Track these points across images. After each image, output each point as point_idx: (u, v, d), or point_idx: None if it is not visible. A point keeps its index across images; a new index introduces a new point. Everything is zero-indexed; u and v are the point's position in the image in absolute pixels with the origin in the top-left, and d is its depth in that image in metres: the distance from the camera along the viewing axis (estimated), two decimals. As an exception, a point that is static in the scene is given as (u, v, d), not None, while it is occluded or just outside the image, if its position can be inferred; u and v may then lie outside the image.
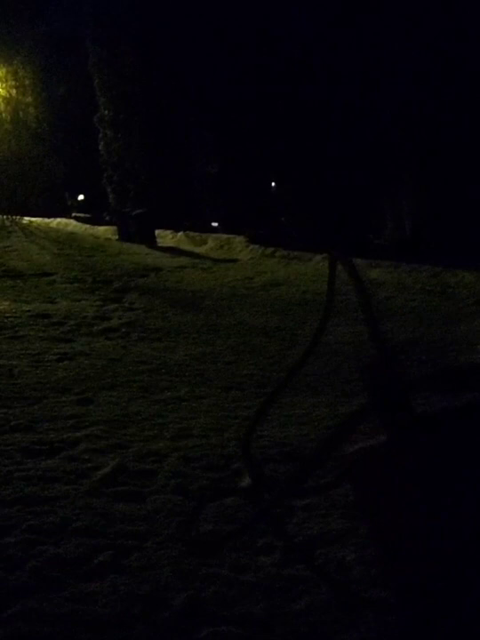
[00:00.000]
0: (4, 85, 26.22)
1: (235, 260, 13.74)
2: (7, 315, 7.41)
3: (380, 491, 2.10)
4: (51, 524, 3.18)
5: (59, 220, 21.46)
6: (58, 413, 4.66)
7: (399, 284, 10.74)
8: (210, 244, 16.93)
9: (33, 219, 18.57)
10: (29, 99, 26.54)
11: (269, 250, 14.54)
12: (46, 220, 19.81)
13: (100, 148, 22.86)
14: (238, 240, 16.77)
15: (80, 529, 3.15)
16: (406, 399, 2.14)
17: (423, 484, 2.02)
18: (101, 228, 19.88)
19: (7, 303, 8.07)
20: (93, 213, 24.23)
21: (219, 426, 4.56)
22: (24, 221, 17.25)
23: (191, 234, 18.62)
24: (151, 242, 16.29)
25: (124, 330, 7.21)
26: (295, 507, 3.39)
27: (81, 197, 27.05)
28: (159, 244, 16.20)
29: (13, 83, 26.35)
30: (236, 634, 2.45)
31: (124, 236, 17.04)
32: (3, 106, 26.38)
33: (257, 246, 15.36)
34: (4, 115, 26.38)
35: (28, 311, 7.67)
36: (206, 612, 2.58)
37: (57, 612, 2.55)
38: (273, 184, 20.10)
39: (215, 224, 20.22)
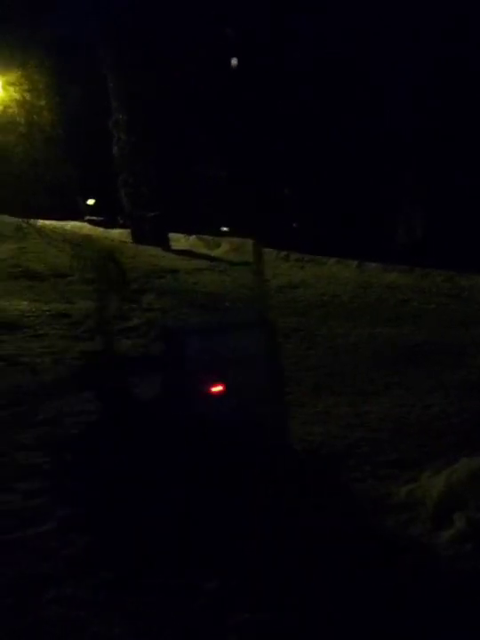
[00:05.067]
0: (18, 89, 26.32)
1: (249, 263, 13.77)
2: (27, 314, 7.48)
3: None
4: (82, 515, 3.23)
5: (72, 223, 21.55)
6: (81, 409, 4.71)
7: (414, 287, 10.77)
8: (223, 247, 16.99)
9: (46, 222, 18.64)
10: (43, 102, 26.67)
11: (283, 253, 14.60)
12: (60, 223, 19.89)
13: (114, 151, 22.97)
14: (252, 243, 16.82)
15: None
16: None
17: None
18: (115, 231, 19.97)
19: (26, 303, 8.13)
20: (106, 217, 24.35)
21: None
22: (39, 224, 17.34)
23: (204, 237, 18.69)
24: (165, 245, 16.36)
25: (142, 329, 7.26)
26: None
27: (91, 201, 27.19)
28: (173, 247, 16.27)
29: (27, 86, 26.46)
30: (266, 620, 2.49)
31: (138, 238, 17.13)
32: (17, 109, 26.47)
33: (271, 249, 15.41)
34: (18, 118, 26.47)
35: (48, 311, 7.73)
36: (236, 598, 2.62)
37: (91, 599, 2.60)
38: (285, 190, 20.17)
39: (225, 228, 20.31)
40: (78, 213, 25.76)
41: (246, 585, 2.68)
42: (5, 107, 25.58)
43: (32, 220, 17.38)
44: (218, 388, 3.31)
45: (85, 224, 22.71)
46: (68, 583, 2.68)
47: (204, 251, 16.08)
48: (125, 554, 2.90)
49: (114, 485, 3.30)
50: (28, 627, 2.41)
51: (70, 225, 20.03)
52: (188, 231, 19.00)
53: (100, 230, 19.98)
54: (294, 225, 19.96)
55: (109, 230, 20.86)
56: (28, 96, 26.29)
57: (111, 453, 3.42)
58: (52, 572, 2.75)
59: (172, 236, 17.43)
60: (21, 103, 26.19)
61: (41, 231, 15.63)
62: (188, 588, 2.66)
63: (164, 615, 2.50)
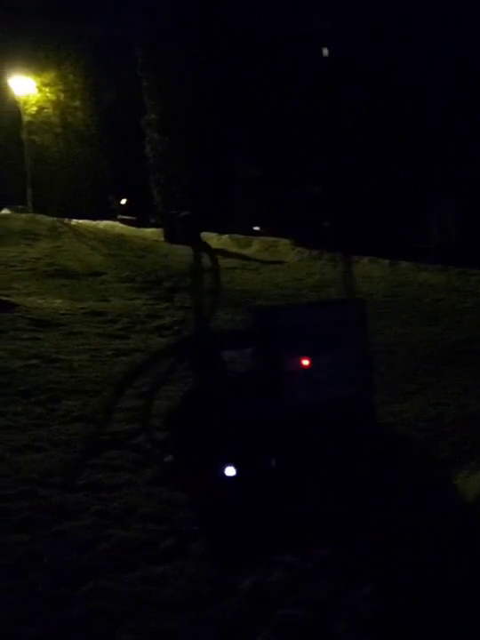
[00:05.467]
0: (53, 90, 26.65)
1: (282, 262, 13.79)
2: (62, 312, 7.58)
3: None
4: (117, 509, 3.27)
5: (105, 222, 21.79)
6: (117, 406, 4.76)
7: (449, 285, 10.65)
8: (255, 247, 17.01)
9: (80, 221, 18.89)
10: (78, 102, 26.94)
11: (316, 252, 14.56)
12: (93, 222, 20.13)
13: (147, 151, 23.16)
14: (283, 242, 16.83)
15: (145, 515, 3.23)
16: None
17: None
18: (148, 230, 20.13)
19: (61, 301, 8.24)
20: (139, 216, 24.54)
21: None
22: (73, 223, 17.58)
23: (236, 236, 18.74)
24: (197, 243, 16.42)
25: (176, 327, 7.31)
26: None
27: (124, 201, 27.42)
28: (205, 246, 16.33)
29: (62, 87, 26.77)
30: (303, 616, 2.50)
31: (171, 237, 17.23)
32: (52, 110, 26.79)
33: (303, 249, 15.39)
34: (53, 119, 26.80)
35: (83, 309, 7.83)
36: (273, 596, 2.63)
37: (128, 592, 2.63)
38: (315, 188, 20.10)
39: (257, 228, 20.33)
40: (111, 213, 26.02)
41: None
42: (41, 108, 25.93)
43: (66, 220, 17.63)
44: (304, 362, 3.34)
45: (118, 223, 22.93)
46: (105, 577, 2.72)
47: (235, 250, 16.12)
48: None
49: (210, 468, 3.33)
50: (66, 619, 2.45)
51: (103, 224, 20.25)
52: (219, 230, 19.06)
53: (132, 229, 20.15)
54: (326, 224, 19.88)
55: (142, 229, 21.03)
56: (62, 97, 26.61)
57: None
58: (90, 566, 2.79)
59: (203, 234, 17.49)
60: (56, 104, 26.52)
61: (75, 230, 15.83)
62: (221, 584, 2.68)
63: (201, 612, 2.52)
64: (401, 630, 2.44)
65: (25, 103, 24.56)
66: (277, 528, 3.02)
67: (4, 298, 7.82)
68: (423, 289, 10.47)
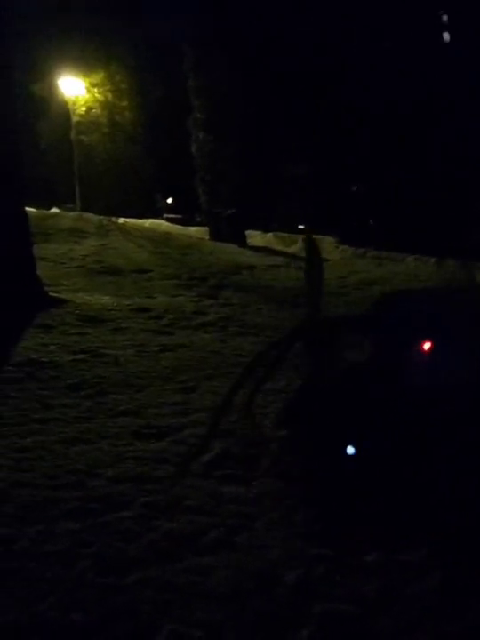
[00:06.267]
0: (101, 90, 27.03)
1: (326, 260, 13.70)
2: (109, 308, 7.70)
3: None
4: (163, 501, 3.31)
5: (151, 220, 22.03)
6: (163, 400, 4.82)
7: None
8: (300, 244, 16.96)
9: (127, 219, 19.15)
10: (125, 102, 27.29)
11: (360, 250, 14.47)
12: (139, 220, 20.38)
13: (193, 150, 23.31)
14: (328, 240, 16.74)
15: (191, 507, 3.27)
16: None
17: None
18: (193, 228, 20.27)
19: (108, 298, 8.37)
20: (184, 214, 24.74)
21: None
22: (120, 221, 17.85)
23: (280, 234, 18.74)
24: (242, 241, 16.52)
25: (221, 324, 7.35)
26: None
27: (169, 200, 27.68)
28: (249, 244, 16.39)
29: (110, 87, 27.14)
30: (349, 612, 2.50)
31: (216, 235, 17.34)
32: (100, 110, 27.18)
33: (347, 246, 15.30)
34: (101, 119, 27.19)
35: (129, 305, 7.93)
36: (318, 590, 2.64)
37: (174, 583, 2.67)
38: (357, 187, 19.96)
39: (302, 226, 20.28)
40: (157, 211, 26.29)
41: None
42: (89, 108, 26.36)
43: (114, 218, 17.91)
44: (426, 346, 3.33)
45: (164, 221, 23.14)
46: (151, 567, 2.76)
47: (280, 247, 16.12)
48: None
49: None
50: (114, 607, 2.50)
51: (149, 222, 20.48)
52: (264, 228, 19.09)
53: (178, 227, 20.32)
54: (371, 222, 19.71)
55: (187, 227, 21.18)
56: (110, 97, 26.99)
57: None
58: (137, 556, 2.84)
59: (249, 232, 17.57)
60: (104, 104, 26.91)
61: (122, 228, 16.06)
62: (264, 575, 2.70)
63: (245, 604, 2.54)
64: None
65: (74, 103, 24.99)
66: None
67: (54, 294, 7.98)
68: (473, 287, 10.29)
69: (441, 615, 2.50)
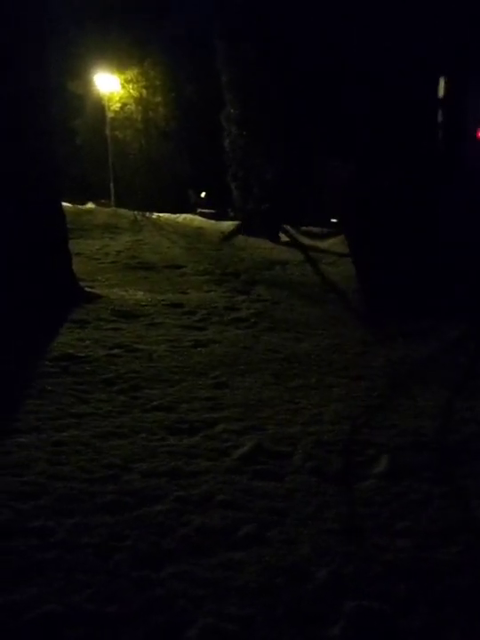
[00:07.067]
0: (135, 86, 27.18)
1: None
2: (143, 303, 7.77)
3: None
4: (196, 495, 3.36)
5: (184, 215, 22.09)
6: (195, 395, 4.87)
7: None
8: (332, 240, 16.86)
9: (160, 214, 19.25)
10: (159, 98, 27.41)
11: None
12: (172, 215, 20.46)
13: (226, 145, 23.31)
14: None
15: (224, 502, 3.31)
16: None
17: None
18: (226, 224, 20.24)
19: (142, 293, 8.44)
20: (217, 209, 24.77)
21: (350, 413, 4.62)
22: (153, 217, 17.95)
23: (313, 229, 18.66)
24: (274, 237, 16.50)
25: (253, 320, 7.38)
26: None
27: (203, 195, 27.74)
28: (282, 239, 16.37)
29: (144, 83, 27.27)
30: (379, 609, 2.52)
31: (248, 231, 17.33)
32: (134, 106, 27.35)
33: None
34: (135, 115, 27.36)
35: (163, 300, 8.00)
36: (348, 586, 2.66)
37: (207, 577, 2.71)
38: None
39: (334, 220, 20.15)
40: (190, 206, 26.38)
41: None
42: (124, 104, 26.55)
43: (147, 213, 18.02)
44: None
45: (197, 217, 23.19)
46: (185, 561, 2.81)
47: (312, 243, 16.05)
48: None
49: None
50: (148, 600, 2.55)
51: (182, 217, 20.54)
52: (299, 223, 19.01)
53: (211, 223, 20.35)
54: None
55: (220, 222, 21.19)
56: (144, 93, 27.14)
57: None
58: (171, 549, 2.89)
59: (281, 228, 17.52)
60: (138, 100, 27.08)
61: (155, 223, 16.17)
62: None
63: (277, 599, 2.57)
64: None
65: (109, 100, 25.18)
66: None
67: (89, 289, 8.08)
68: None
69: (473, 613, 2.50)
